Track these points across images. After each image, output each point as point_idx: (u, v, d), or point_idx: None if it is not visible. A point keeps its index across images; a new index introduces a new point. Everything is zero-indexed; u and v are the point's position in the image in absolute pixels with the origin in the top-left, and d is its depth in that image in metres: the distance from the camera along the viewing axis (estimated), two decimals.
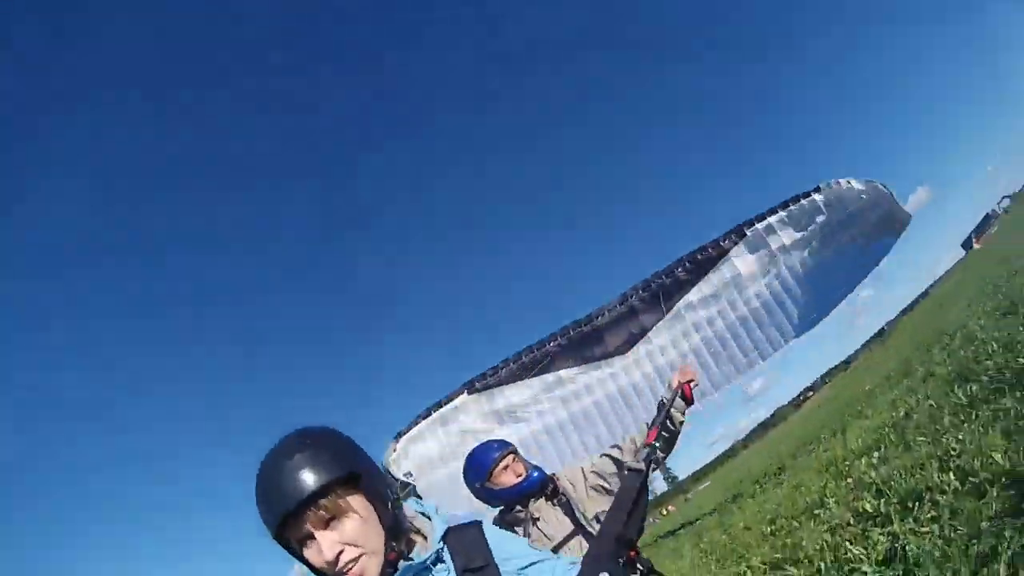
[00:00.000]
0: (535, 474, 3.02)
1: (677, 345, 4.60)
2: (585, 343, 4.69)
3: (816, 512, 7.32)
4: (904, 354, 19.39)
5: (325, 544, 1.32)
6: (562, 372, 4.77)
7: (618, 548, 1.71)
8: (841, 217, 4.40)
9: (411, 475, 5.19)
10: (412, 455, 5.28)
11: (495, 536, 1.55)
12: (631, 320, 4.79)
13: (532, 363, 4.74)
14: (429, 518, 1.54)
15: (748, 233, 4.48)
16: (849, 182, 4.31)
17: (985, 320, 10.94)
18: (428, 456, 5.30)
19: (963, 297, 21.49)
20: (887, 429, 9.02)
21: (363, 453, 1.48)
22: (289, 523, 1.34)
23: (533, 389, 4.95)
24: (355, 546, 1.34)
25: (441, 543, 1.48)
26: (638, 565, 2.31)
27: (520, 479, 3.00)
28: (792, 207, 4.23)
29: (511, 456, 3.09)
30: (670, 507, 58.24)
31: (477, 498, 3.12)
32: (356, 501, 1.37)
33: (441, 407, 5.33)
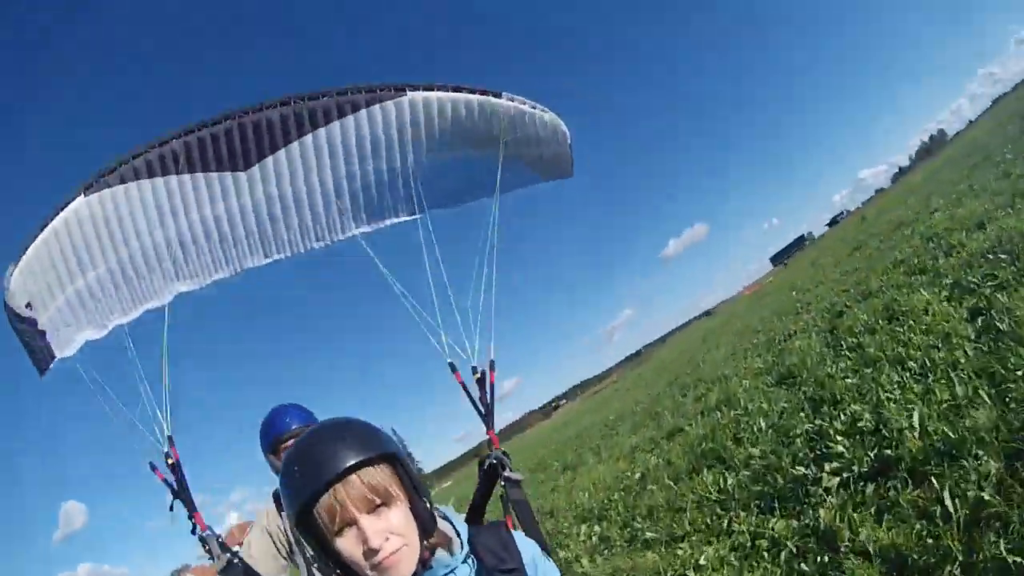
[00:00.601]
0: None
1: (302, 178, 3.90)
2: (206, 148, 3.63)
3: None
4: (655, 388, 21.45)
5: (371, 530, 1.24)
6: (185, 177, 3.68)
7: None
8: (514, 132, 3.85)
9: (30, 306, 3.99)
10: (27, 286, 3.54)
11: (527, 546, 1.55)
12: (263, 133, 3.77)
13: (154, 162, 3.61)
14: (443, 517, 1.48)
15: (412, 94, 3.70)
16: (536, 106, 3.80)
17: (751, 383, 10.83)
18: (45, 281, 3.61)
19: (727, 338, 23.69)
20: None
21: (402, 443, 1.43)
22: (327, 505, 1.24)
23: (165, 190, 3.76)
24: (399, 536, 1.28)
25: (470, 545, 1.46)
26: None
27: None
28: (472, 96, 3.60)
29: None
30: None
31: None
32: (397, 487, 1.31)
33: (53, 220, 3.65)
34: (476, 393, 3.56)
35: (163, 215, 3.90)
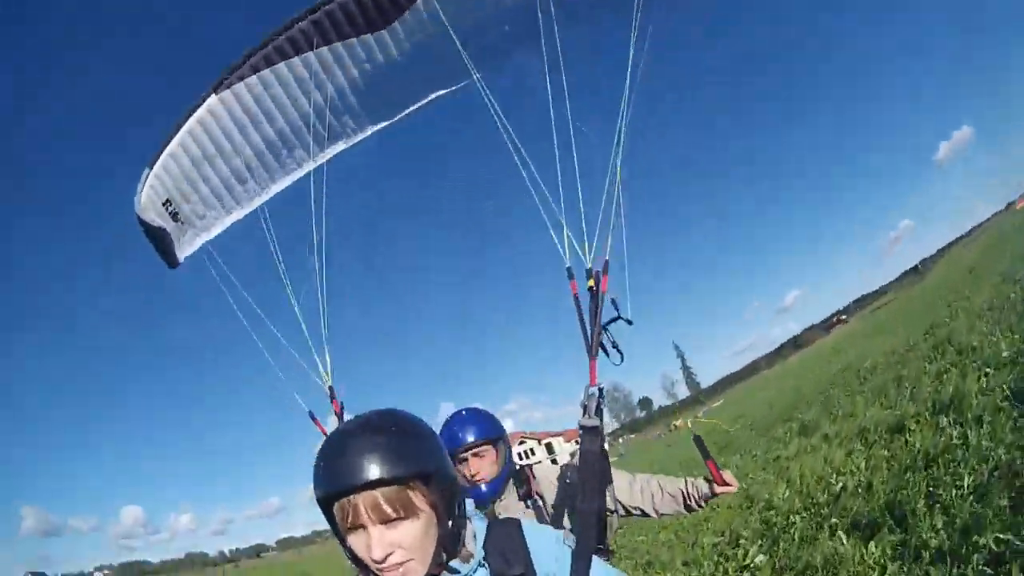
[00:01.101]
0: (491, 483, 2.80)
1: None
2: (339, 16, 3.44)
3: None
4: (915, 330, 17.97)
5: (377, 543, 1.28)
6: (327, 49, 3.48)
7: (600, 531, 1.90)
8: None
9: (170, 203, 3.93)
10: (165, 185, 3.52)
11: (535, 539, 1.53)
12: None
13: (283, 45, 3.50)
14: (469, 519, 1.50)
15: None
16: None
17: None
18: (185, 177, 3.56)
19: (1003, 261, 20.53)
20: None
21: (442, 451, 1.43)
22: (342, 505, 1.29)
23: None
24: (406, 551, 1.31)
25: (483, 551, 1.47)
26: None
27: (476, 479, 2.78)
28: None
29: (485, 448, 2.82)
30: (677, 422, 56.43)
31: None
32: (421, 502, 1.33)
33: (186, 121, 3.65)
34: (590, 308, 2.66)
35: (306, 89, 3.80)
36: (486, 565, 1.47)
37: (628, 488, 2.98)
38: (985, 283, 18.71)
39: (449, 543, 1.39)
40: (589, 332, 2.49)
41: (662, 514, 3.05)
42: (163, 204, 3.89)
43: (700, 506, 3.01)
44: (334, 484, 1.30)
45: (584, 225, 2.71)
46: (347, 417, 2.93)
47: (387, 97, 3.95)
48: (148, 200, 3.95)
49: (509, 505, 2.84)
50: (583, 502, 1.96)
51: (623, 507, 2.97)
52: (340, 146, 3.99)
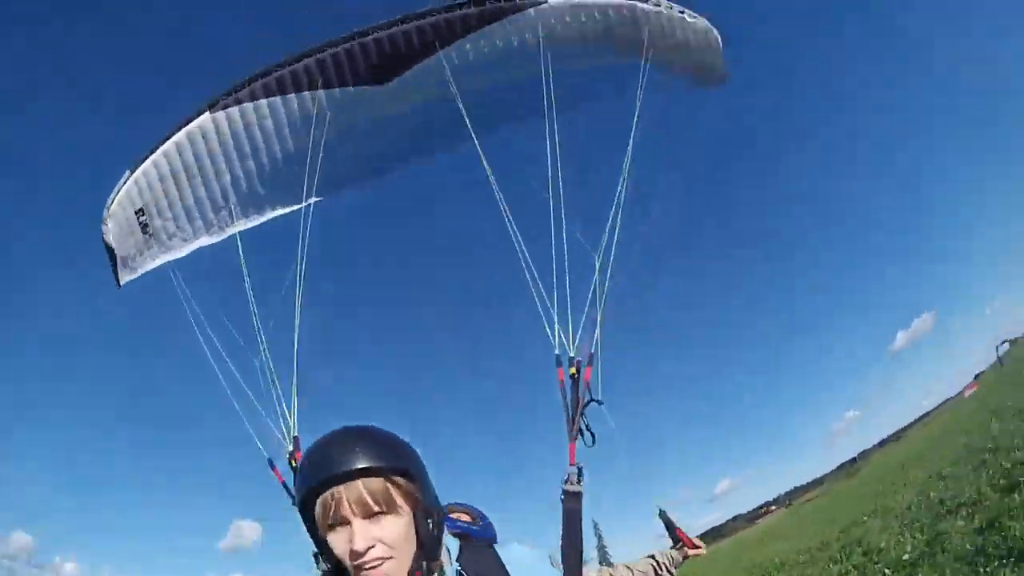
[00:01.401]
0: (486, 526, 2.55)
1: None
2: (343, 63, 3.56)
3: None
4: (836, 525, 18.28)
5: (360, 535, 1.26)
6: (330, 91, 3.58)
7: None
8: (662, 39, 3.59)
9: (142, 213, 3.86)
10: (142, 194, 3.43)
11: (513, 559, 1.65)
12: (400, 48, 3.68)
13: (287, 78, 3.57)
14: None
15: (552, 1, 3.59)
16: (684, 10, 3.52)
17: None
18: (163, 189, 3.47)
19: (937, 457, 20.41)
20: None
21: (420, 460, 1.45)
22: (325, 500, 1.29)
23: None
24: (388, 547, 1.29)
25: (457, 564, 1.53)
26: None
27: (471, 522, 2.53)
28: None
29: (463, 513, 2.62)
30: None
31: None
32: (403, 501, 1.33)
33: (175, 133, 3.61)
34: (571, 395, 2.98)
35: (298, 128, 3.83)
36: None
37: None
38: (914, 479, 18.51)
39: (428, 548, 1.39)
40: (569, 415, 2.81)
41: None
42: (136, 212, 3.78)
43: (671, 573, 3.03)
44: (321, 475, 1.30)
45: (570, 319, 3.04)
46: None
47: (381, 150, 4.03)
48: (120, 205, 3.82)
49: None
50: (569, 548, 2.33)
51: None
52: (326, 191, 3.98)
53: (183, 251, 3.97)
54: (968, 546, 7.68)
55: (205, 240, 3.99)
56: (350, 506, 1.29)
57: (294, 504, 1.44)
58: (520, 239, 3.30)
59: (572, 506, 2.53)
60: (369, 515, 1.29)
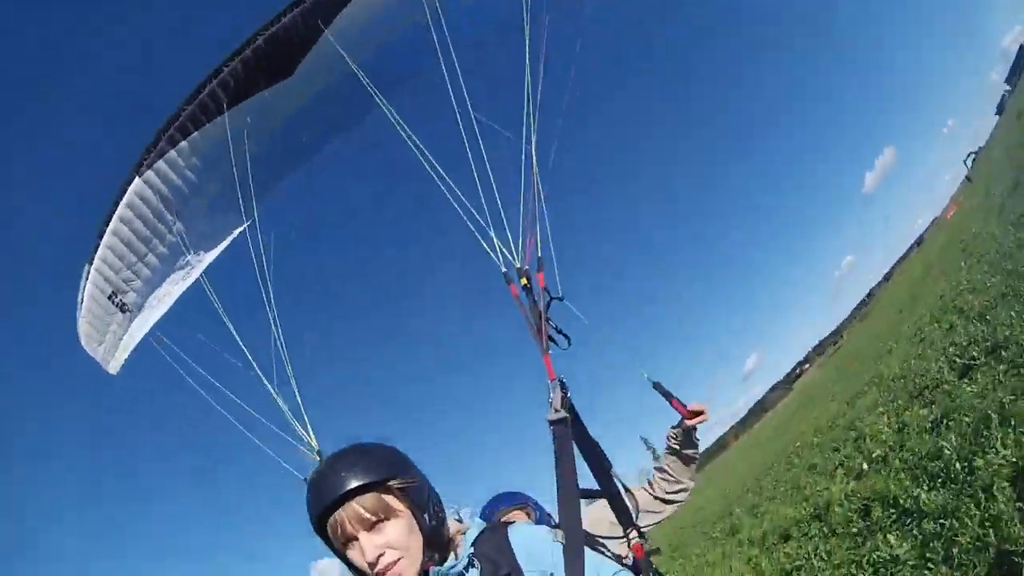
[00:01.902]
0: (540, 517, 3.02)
1: None
2: (243, 73, 3.47)
3: None
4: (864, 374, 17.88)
5: (367, 546, 1.48)
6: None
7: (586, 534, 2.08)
8: None
9: (115, 295, 3.87)
10: (108, 278, 3.89)
11: (522, 539, 1.64)
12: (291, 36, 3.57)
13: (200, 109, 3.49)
14: (459, 520, 1.74)
15: None
16: None
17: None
18: (124, 264, 3.66)
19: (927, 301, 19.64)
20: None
21: (412, 466, 1.64)
22: (332, 524, 1.51)
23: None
24: (395, 549, 1.49)
25: (471, 549, 1.62)
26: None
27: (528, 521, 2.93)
28: None
29: (519, 511, 3.03)
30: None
31: None
32: (398, 504, 1.53)
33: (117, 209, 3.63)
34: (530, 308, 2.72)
35: (224, 152, 3.74)
36: (476, 566, 1.60)
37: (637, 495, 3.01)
38: (911, 322, 17.93)
39: (434, 539, 1.58)
40: (534, 327, 2.53)
41: (680, 489, 3.07)
42: (108, 298, 3.79)
43: (693, 444, 2.99)
44: (319, 505, 1.53)
45: (507, 228, 2.77)
46: None
47: (305, 142, 3.95)
48: (92, 299, 3.84)
49: None
50: (562, 500, 1.85)
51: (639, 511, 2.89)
52: (268, 197, 3.93)
53: (162, 309, 3.98)
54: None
55: (179, 289, 3.99)
56: (351, 523, 1.50)
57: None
58: (438, 167, 3.08)
59: (560, 439, 2.00)
60: (370, 527, 1.50)
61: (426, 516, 1.58)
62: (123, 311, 3.84)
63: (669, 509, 3.04)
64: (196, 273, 3.93)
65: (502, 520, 2.81)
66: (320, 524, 1.55)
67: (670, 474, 3.04)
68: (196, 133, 3.81)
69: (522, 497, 3.13)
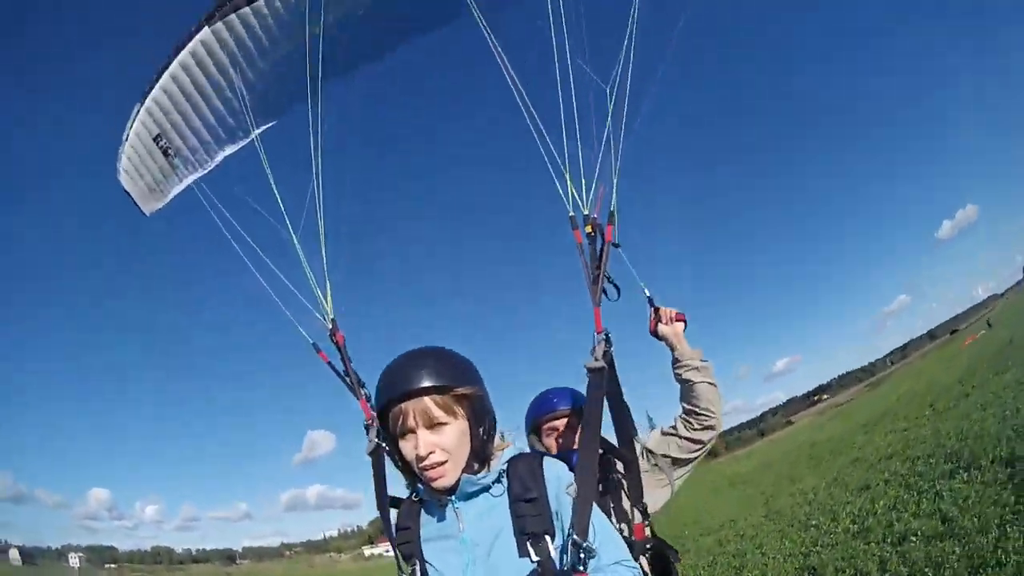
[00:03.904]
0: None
1: None
2: None
3: None
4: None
5: (423, 441, 1.62)
6: None
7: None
8: None
9: (161, 138, 3.84)
10: (157, 120, 3.83)
11: (551, 470, 1.72)
12: None
13: None
14: (504, 439, 1.83)
15: None
16: None
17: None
18: (178, 111, 3.81)
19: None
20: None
21: (481, 380, 1.76)
22: (395, 413, 1.65)
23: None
24: (446, 451, 1.63)
25: (504, 466, 1.73)
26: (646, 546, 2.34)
27: (562, 446, 2.77)
28: None
29: (567, 419, 2.82)
30: None
31: None
32: (459, 413, 1.66)
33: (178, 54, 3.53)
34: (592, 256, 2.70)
35: (301, 18, 3.66)
36: (503, 482, 1.72)
37: (651, 437, 2.86)
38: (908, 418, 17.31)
39: (480, 452, 1.73)
40: (591, 277, 2.54)
41: (706, 408, 2.75)
42: (154, 139, 3.76)
43: (689, 360, 2.77)
44: (391, 391, 1.66)
45: (583, 173, 2.72)
46: (349, 351, 2.99)
47: (384, 23, 3.81)
48: (137, 135, 3.81)
49: None
50: (584, 445, 1.94)
51: (652, 454, 2.79)
52: (336, 81, 3.85)
53: (209, 165, 3.95)
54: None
55: (229, 149, 3.96)
56: (414, 416, 1.63)
57: (356, 396, 2.24)
58: (526, 98, 2.96)
59: (594, 389, 2.11)
60: (430, 425, 1.63)
61: (480, 429, 1.71)
62: (166, 155, 3.81)
63: (691, 450, 2.76)
64: (249, 137, 3.87)
65: (538, 449, 2.88)
66: (383, 409, 1.71)
67: (687, 409, 2.78)
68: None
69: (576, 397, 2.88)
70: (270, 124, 3.96)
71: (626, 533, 2.43)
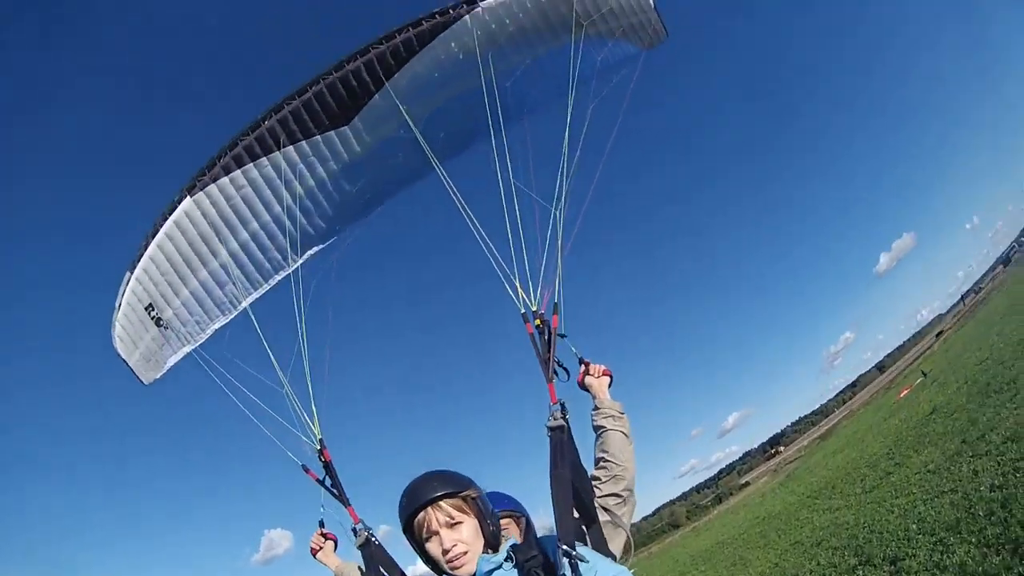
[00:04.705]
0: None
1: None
2: (303, 115, 3.68)
3: None
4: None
5: (446, 538, 2.03)
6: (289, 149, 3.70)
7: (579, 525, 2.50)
8: (597, 10, 3.66)
9: (152, 308, 4.11)
10: (147, 290, 4.08)
11: (547, 540, 2.20)
12: (352, 85, 3.83)
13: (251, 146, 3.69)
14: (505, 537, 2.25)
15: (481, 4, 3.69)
16: None
17: None
18: (166, 281, 4.13)
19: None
20: None
21: (477, 485, 2.22)
22: (418, 521, 2.09)
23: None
24: (465, 544, 2.04)
25: (510, 545, 2.13)
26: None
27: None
28: None
29: (509, 520, 2.90)
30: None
31: None
32: (470, 512, 2.10)
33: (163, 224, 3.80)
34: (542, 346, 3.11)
35: (276, 189, 3.89)
36: (512, 559, 2.09)
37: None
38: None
39: (491, 542, 2.12)
40: (543, 360, 2.98)
41: (614, 455, 2.86)
42: (145, 309, 3.91)
43: (607, 409, 2.94)
44: (414, 503, 2.08)
45: (529, 277, 3.23)
46: (335, 468, 3.38)
47: (355, 194, 4.06)
48: (129, 305, 3.96)
49: None
50: (555, 483, 2.36)
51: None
52: (315, 247, 4.07)
53: (201, 337, 4.12)
54: None
55: (220, 321, 4.13)
56: (436, 522, 2.05)
57: (344, 504, 2.95)
58: (477, 225, 3.48)
59: (556, 437, 2.54)
60: (449, 525, 2.04)
61: (488, 522, 2.13)
62: (159, 325, 3.97)
63: (616, 503, 2.77)
64: (239, 307, 4.04)
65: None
66: (408, 523, 2.12)
67: (598, 457, 2.86)
68: (251, 163, 3.91)
69: (514, 503, 3.05)
70: (259, 293, 4.14)
71: None
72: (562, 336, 3.14)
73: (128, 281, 3.98)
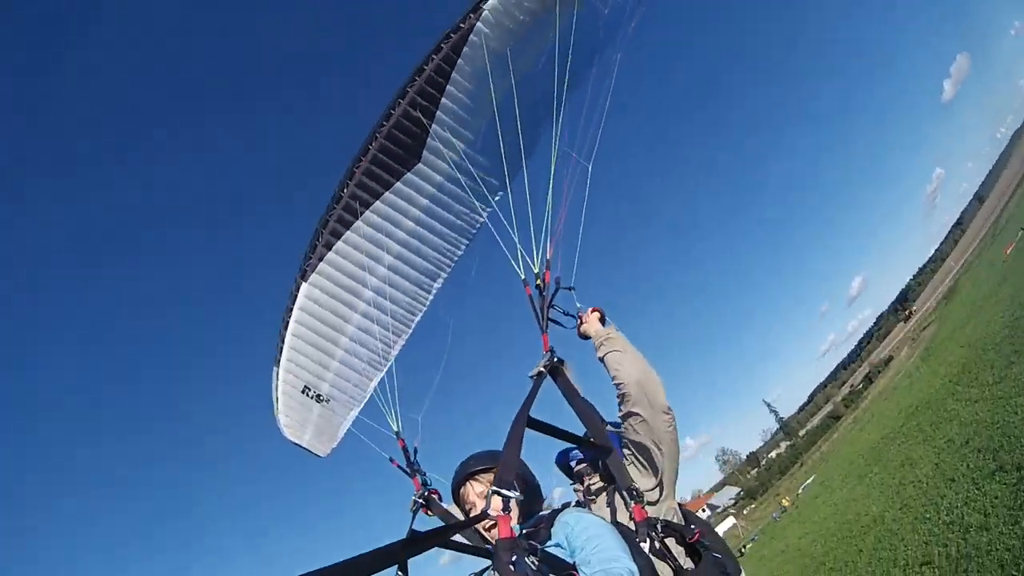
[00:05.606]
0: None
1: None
2: (378, 167, 3.84)
3: None
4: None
5: (479, 508, 2.51)
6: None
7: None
8: None
9: (308, 389, 4.52)
10: (299, 375, 4.50)
11: (565, 515, 2.33)
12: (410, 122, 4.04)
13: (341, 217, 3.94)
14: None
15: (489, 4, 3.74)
16: None
17: None
18: (313, 363, 4.53)
19: None
20: None
21: (526, 467, 2.73)
22: (463, 492, 2.68)
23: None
24: (500, 513, 2.05)
25: (523, 529, 2.32)
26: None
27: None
28: None
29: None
30: (785, 503, 55.25)
31: None
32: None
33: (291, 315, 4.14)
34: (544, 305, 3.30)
35: (380, 242, 4.12)
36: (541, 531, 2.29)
37: None
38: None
39: (523, 510, 2.54)
40: (538, 314, 3.19)
41: (614, 375, 2.87)
42: (302, 392, 4.23)
43: (599, 337, 3.00)
44: (459, 476, 2.68)
45: (534, 244, 3.37)
46: (410, 450, 3.89)
47: (440, 234, 4.36)
48: (287, 396, 4.28)
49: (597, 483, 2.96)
50: (513, 425, 2.33)
51: (628, 445, 2.86)
52: (441, 276, 4.44)
53: (364, 396, 4.44)
54: None
55: (377, 375, 4.42)
56: (473, 491, 2.64)
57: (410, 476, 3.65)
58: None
59: (536, 383, 2.71)
60: (484, 496, 2.49)
61: (524, 497, 2.48)
62: (319, 401, 4.27)
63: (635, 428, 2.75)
64: (388, 362, 4.35)
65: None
66: (455, 496, 2.73)
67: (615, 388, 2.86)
68: (342, 238, 4.12)
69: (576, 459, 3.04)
70: (404, 340, 4.45)
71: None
72: (569, 289, 3.29)
73: (277, 376, 4.31)
